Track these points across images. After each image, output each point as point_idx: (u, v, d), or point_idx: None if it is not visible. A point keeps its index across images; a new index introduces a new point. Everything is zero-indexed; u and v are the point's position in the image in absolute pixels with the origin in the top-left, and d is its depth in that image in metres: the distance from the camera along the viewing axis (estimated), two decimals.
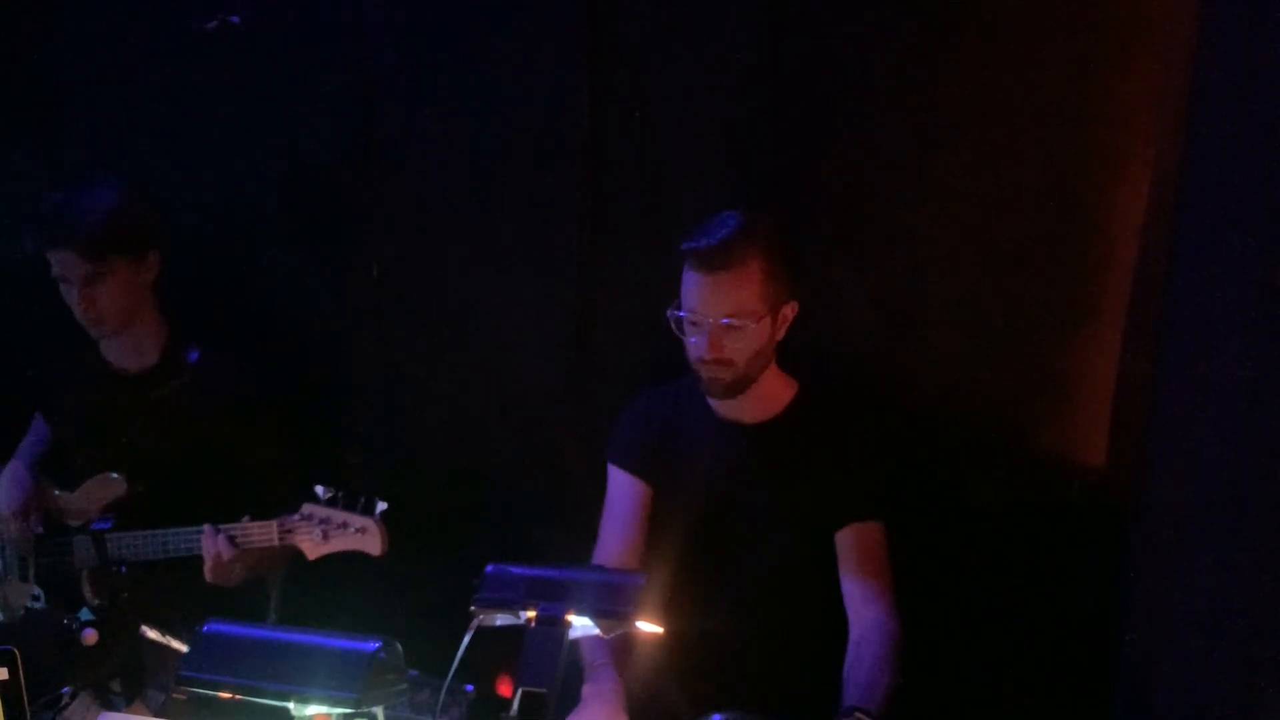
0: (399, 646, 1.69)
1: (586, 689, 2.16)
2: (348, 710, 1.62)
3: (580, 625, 1.70)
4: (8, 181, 2.99)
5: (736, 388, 2.25)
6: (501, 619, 1.73)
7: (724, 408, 2.32)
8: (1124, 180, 2.25)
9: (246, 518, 2.37)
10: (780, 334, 2.26)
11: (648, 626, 1.73)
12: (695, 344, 2.22)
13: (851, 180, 2.43)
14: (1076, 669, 2.37)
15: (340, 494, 2.31)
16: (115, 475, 2.54)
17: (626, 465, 2.40)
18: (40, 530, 2.58)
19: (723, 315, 2.17)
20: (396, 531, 2.33)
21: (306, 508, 2.32)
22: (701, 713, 2.00)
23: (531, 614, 1.69)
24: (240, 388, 2.61)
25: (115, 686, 2.16)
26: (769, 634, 2.30)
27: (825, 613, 2.26)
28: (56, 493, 2.60)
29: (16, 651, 1.75)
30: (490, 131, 2.65)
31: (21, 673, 1.75)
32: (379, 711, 1.70)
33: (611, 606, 1.70)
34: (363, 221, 2.79)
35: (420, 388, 2.85)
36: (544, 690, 1.62)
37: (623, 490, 2.39)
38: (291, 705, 1.64)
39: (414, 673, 1.82)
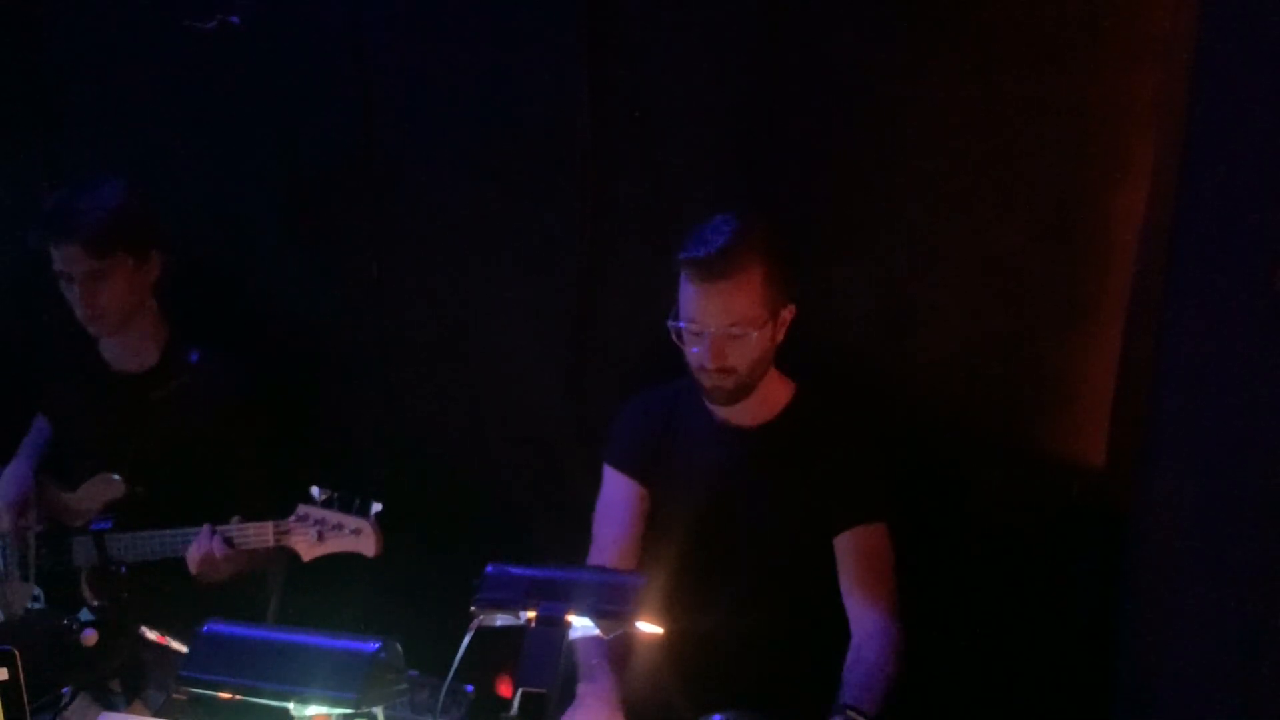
0: (399, 646, 1.69)
1: (581, 688, 2.16)
2: (347, 710, 1.62)
3: (580, 625, 1.70)
4: (8, 181, 2.99)
5: (739, 394, 2.24)
6: (501, 619, 1.73)
7: (722, 410, 2.31)
8: (1124, 180, 2.25)
9: (237, 518, 2.37)
10: (780, 337, 2.26)
11: (648, 627, 1.73)
12: (697, 354, 2.21)
13: (851, 180, 2.43)
14: (1076, 669, 2.37)
15: (336, 495, 2.31)
16: (115, 475, 2.54)
17: (622, 467, 2.39)
18: (40, 529, 2.58)
19: (724, 324, 2.15)
20: (396, 531, 2.34)
21: (302, 509, 2.33)
22: (701, 713, 2.00)
23: (531, 614, 1.69)
24: (240, 388, 2.61)
25: (115, 686, 2.16)
26: (768, 635, 2.30)
27: (824, 614, 2.26)
28: (57, 493, 2.60)
29: (16, 651, 1.75)
30: (490, 132, 2.65)
31: (21, 673, 1.75)
32: (379, 711, 1.70)
33: (611, 606, 1.70)
34: (363, 221, 2.79)
35: (420, 388, 2.85)
36: (544, 690, 1.62)
37: (618, 492, 2.39)
38: (291, 705, 1.63)
39: (414, 673, 1.82)
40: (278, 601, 2.72)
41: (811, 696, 2.18)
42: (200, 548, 2.36)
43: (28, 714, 1.77)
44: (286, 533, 2.34)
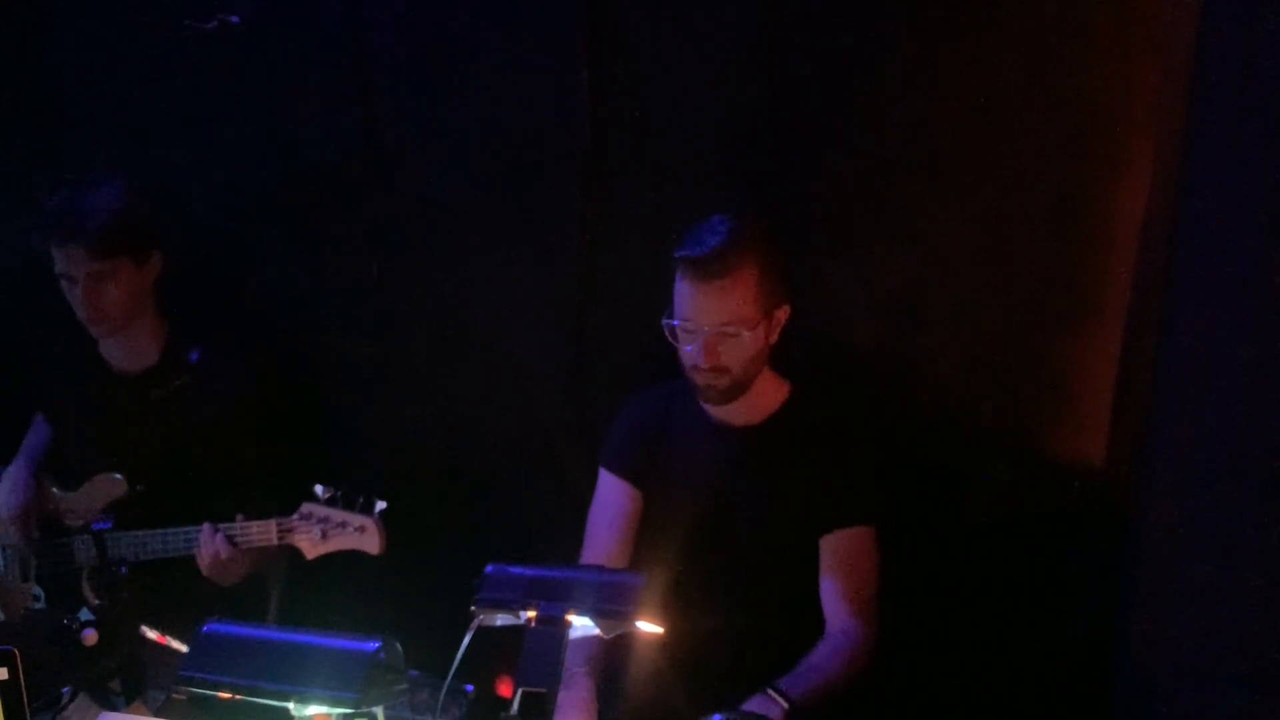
0: (399, 646, 1.69)
1: (561, 695, 2.15)
2: (348, 710, 1.62)
3: (580, 625, 1.70)
4: (8, 181, 2.99)
5: (732, 393, 2.25)
6: (501, 619, 1.73)
7: (716, 410, 2.32)
8: (1124, 180, 2.25)
9: (240, 517, 2.37)
10: (774, 337, 2.26)
11: (648, 626, 1.73)
12: (691, 352, 2.21)
13: (851, 180, 2.43)
14: (1076, 669, 2.37)
15: (339, 493, 2.32)
16: (115, 475, 2.54)
17: (616, 469, 2.40)
18: (36, 534, 2.58)
19: (718, 323, 2.17)
20: (396, 531, 2.34)
21: (306, 507, 2.33)
22: (700, 713, 2.00)
23: (531, 614, 1.69)
24: (240, 388, 2.61)
25: (115, 686, 2.15)
26: (764, 634, 2.30)
27: (819, 614, 2.26)
28: (57, 493, 2.60)
29: (16, 651, 1.75)
30: (490, 131, 2.65)
31: (21, 673, 1.75)
32: (379, 711, 1.70)
33: (612, 606, 1.70)
34: (363, 221, 2.79)
35: (420, 387, 2.85)
36: (544, 690, 1.62)
37: (612, 494, 2.40)
38: (291, 705, 1.63)
39: (414, 673, 1.82)
40: (278, 601, 2.72)
41: None
42: (206, 548, 2.36)
43: (28, 714, 1.77)
44: (290, 531, 2.34)
